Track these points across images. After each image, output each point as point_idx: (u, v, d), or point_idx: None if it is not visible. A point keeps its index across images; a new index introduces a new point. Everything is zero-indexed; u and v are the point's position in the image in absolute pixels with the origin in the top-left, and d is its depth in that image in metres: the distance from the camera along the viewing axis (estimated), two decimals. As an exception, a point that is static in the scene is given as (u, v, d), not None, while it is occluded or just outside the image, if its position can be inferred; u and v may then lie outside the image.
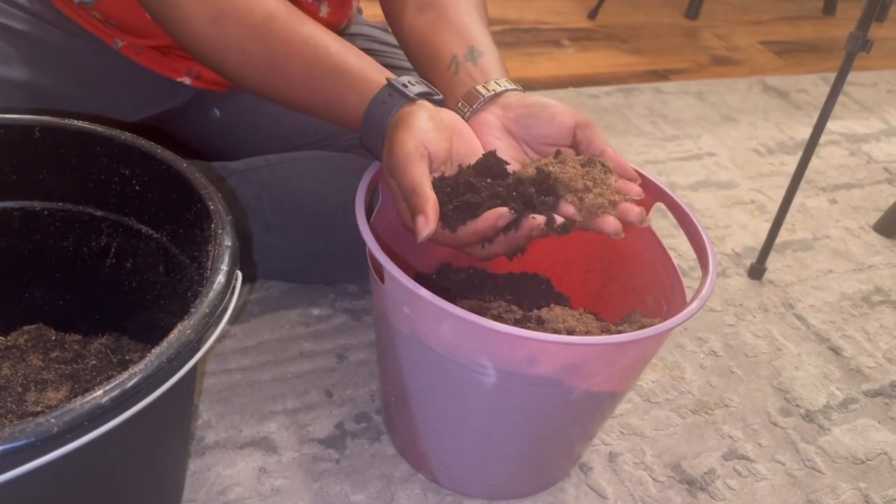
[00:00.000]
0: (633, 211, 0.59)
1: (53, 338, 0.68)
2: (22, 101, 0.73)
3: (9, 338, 0.67)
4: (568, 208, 0.59)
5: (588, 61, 1.63)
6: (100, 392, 0.41)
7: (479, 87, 0.65)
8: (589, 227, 0.60)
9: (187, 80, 0.83)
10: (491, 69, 0.67)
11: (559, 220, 0.58)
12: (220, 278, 0.50)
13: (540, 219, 0.57)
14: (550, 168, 0.61)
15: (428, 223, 0.55)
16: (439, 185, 0.58)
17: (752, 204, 1.22)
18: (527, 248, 0.62)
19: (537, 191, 0.59)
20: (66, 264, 0.67)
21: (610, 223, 0.59)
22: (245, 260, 0.83)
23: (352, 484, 0.70)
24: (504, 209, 0.56)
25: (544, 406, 0.59)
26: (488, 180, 0.60)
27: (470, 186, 0.58)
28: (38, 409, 0.61)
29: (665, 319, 0.57)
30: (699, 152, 1.35)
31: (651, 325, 0.56)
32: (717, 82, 1.61)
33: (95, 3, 0.75)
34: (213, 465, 0.70)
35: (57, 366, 0.65)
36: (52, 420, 0.39)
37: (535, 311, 0.66)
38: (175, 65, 0.81)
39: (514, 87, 0.66)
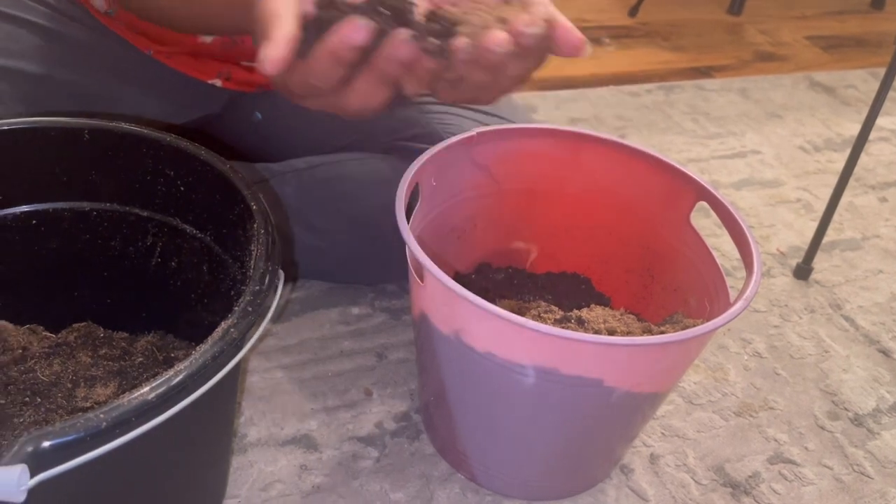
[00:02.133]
0: (522, 20, 0.46)
1: (102, 335, 0.70)
2: (53, 97, 0.75)
3: (59, 335, 0.69)
4: (458, 41, 0.46)
5: (629, 59, 1.61)
6: (146, 389, 0.42)
7: None
8: (478, 55, 0.46)
9: (218, 82, 0.84)
10: None
11: (432, 40, 0.46)
12: (263, 278, 0.51)
13: (404, 32, 0.45)
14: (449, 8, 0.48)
15: (273, 46, 0.43)
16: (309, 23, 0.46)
17: (798, 202, 1.20)
18: (407, 92, 0.49)
19: (419, 15, 0.46)
20: (114, 264, 0.68)
21: (495, 38, 0.45)
22: (287, 260, 0.84)
23: (391, 482, 0.70)
24: (361, 20, 0.44)
25: (584, 407, 0.59)
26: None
27: (330, 4, 0.46)
28: (88, 404, 0.62)
29: (708, 320, 0.56)
30: (743, 150, 1.32)
31: (693, 326, 0.55)
32: (762, 79, 1.58)
33: (118, 14, 0.77)
34: (255, 461, 0.71)
35: (105, 363, 0.67)
36: (101, 416, 0.40)
37: (576, 311, 0.66)
38: (206, 67, 0.83)
39: None
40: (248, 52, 0.81)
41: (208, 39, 0.78)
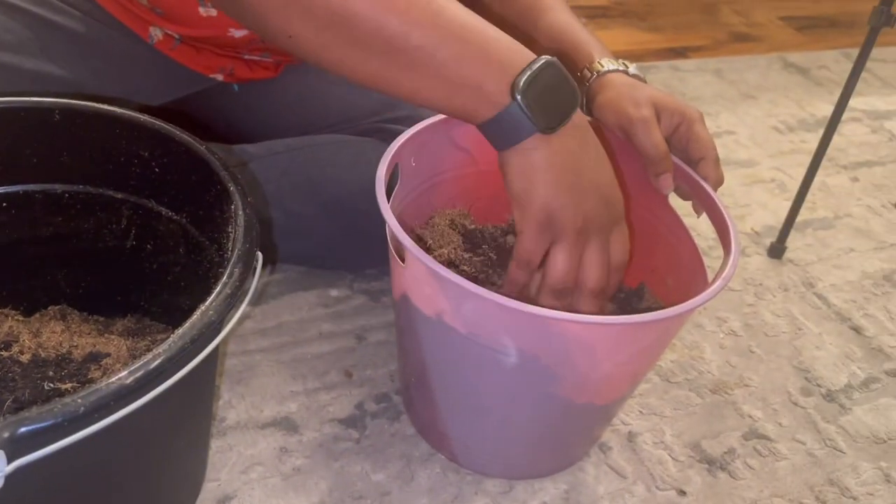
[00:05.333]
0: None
1: (77, 318, 0.69)
2: (46, 89, 0.73)
3: (33, 318, 0.68)
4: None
5: (605, 39, 1.60)
6: (125, 373, 0.42)
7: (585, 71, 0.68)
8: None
9: (220, 77, 0.83)
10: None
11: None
12: (241, 259, 0.50)
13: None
14: None
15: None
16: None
17: (773, 182, 1.21)
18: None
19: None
20: (88, 246, 0.67)
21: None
22: (265, 243, 0.84)
23: (372, 463, 0.70)
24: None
25: (565, 386, 0.59)
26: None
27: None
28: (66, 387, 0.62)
29: (686, 300, 0.56)
30: (718, 130, 1.33)
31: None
32: (737, 59, 1.59)
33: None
34: (234, 444, 0.70)
35: (80, 347, 0.66)
36: (79, 400, 0.40)
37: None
38: (209, 62, 0.81)
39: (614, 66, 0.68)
40: (273, 47, 0.79)
41: (238, 34, 0.75)
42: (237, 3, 0.51)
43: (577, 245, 0.56)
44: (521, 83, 0.52)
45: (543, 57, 0.53)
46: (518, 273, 0.58)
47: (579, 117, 0.56)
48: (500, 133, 0.54)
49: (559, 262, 0.56)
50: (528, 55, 0.53)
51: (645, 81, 0.69)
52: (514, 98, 0.52)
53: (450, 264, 0.67)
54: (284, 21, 0.50)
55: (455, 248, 0.69)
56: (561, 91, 0.54)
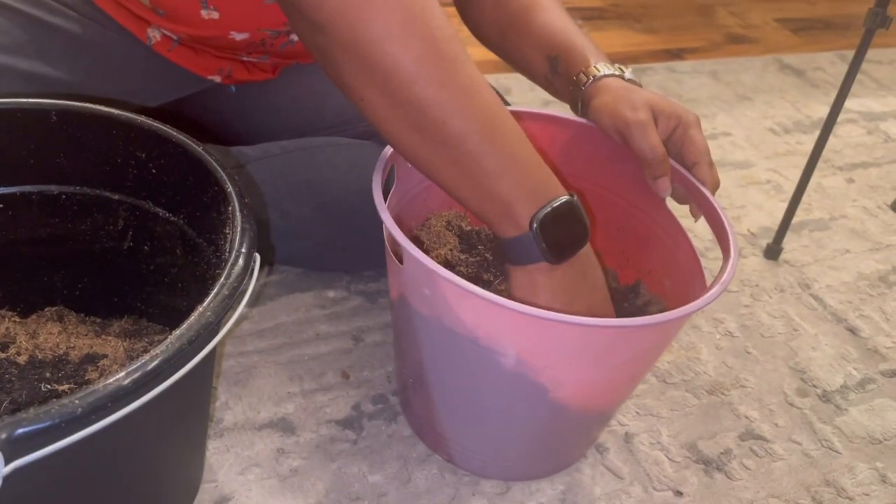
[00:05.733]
0: None
1: (74, 320, 0.69)
2: (43, 91, 0.72)
3: (30, 319, 0.68)
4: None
5: (601, 40, 1.62)
6: (122, 374, 0.42)
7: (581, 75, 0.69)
8: None
9: (217, 79, 0.83)
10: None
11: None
12: (239, 261, 0.50)
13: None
14: None
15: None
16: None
17: (769, 184, 1.21)
18: None
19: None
20: (85, 248, 0.67)
21: None
22: (262, 244, 0.84)
23: (369, 464, 0.70)
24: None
25: (562, 388, 0.59)
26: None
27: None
28: (63, 388, 0.61)
29: (683, 301, 0.56)
30: (714, 132, 1.33)
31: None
32: (732, 61, 1.60)
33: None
34: (231, 446, 0.70)
35: (77, 348, 0.66)
36: (77, 401, 0.40)
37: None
38: (207, 63, 0.81)
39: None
40: (272, 50, 0.79)
41: (238, 36, 0.75)
42: (325, 55, 0.52)
43: None
44: (541, 217, 0.54)
45: (564, 196, 0.56)
46: None
47: (584, 248, 0.59)
48: (515, 251, 0.57)
49: None
50: (555, 189, 0.56)
51: (640, 86, 0.69)
52: (531, 229, 0.54)
53: (446, 265, 0.67)
54: (363, 87, 0.52)
55: (451, 249, 0.69)
56: (573, 230, 0.57)
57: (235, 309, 0.50)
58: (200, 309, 0.47)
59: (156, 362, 0.43)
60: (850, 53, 0.95)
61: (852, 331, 0.94)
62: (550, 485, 0.71)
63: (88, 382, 0.60)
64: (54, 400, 0.40)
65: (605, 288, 0.62)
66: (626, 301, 0.74)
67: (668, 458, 0.76)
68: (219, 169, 0.57)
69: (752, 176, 1.23)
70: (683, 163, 0.67)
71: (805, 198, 1.14)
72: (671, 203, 0.71)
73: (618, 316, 0.67)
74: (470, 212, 0.57)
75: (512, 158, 0.54)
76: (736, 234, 0.63)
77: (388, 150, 0.65)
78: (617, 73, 0.68)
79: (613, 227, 0.77)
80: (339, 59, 0.51)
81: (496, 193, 0.54)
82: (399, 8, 0.49)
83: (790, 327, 0.94)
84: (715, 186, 0.67)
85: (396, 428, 0.74)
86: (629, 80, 0.69)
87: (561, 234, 0.55)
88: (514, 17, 0.74)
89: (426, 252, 0.69)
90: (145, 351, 0.44)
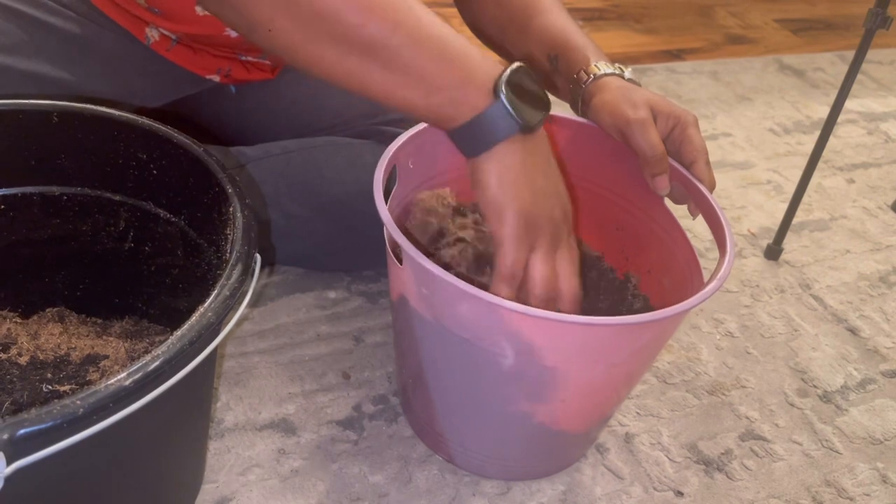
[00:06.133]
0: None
1: (75, 321, 0.69)
2: (41, 91, 0.72)
3: (31, 320, 0.68)
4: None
5: (601, 41, 1.62)
6: (123, 374, 0.42)
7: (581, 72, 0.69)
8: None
9: (216, 78, 0.83)
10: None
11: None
12: (240, 261, 0.50)
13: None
14: None
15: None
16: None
17: (769, 184, 1.21)
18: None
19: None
20: (86, 249, 0.67)
21: None
22: (263, 245, 0.84)
23: (370, 465, 0.71)
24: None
25: (561, 386, 0.60)
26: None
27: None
28: (65, 389, 0.62)
29: (682, 300, 0.56)
30: (714, 132, 1.34)
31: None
32: (732, 61, 1.60)
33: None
34: (232, 446, 0.70)
35: (78, 349, 0.66)
36: (78, 402, 0.40)
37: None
38: (205, 63, 0.81)
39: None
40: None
41: (234, 33, 0.75)
42: None
43: (552, 252, 0.57)
44: (507, 78, 0.53)
45: (515, 62, 0.55)
46: (504, 289, 0.57)
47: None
48: (477, 136, 0.54)
49: (543, 272, 0.57)
50: (501, 64, 0.55)
51: (640, 86, 0.69)
52: (497, 97, 0.53)
53: (445, 266, 0.67)
54: (267, 14, 0.50)
55: (441, 220, 0.68)
56: (535, 91, 0.55)
57: (236, 310, 0.51)
58: (201, 310, 0.47)
59: (157, 363, 0.43)
60: (851, 54, 0.95)
61: (853, 331, 0.95)
62: (551, 485, 0.71)
63: (90, 383, 0.60)
64: (56, 401, 0.40)
65: (559, 171, 0.60)
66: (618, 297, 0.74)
67: (668, 458, 0.76)
68: (219, 170, 0.58)
69: (753, 176, 1.23)
70: (681, 162, 0.67)
71: (805, 198, 1.15)
72: (670, 203, 0.71)
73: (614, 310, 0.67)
74: (418, 115, 0.55)
75: (446, 44, 0.52)
76: (734, 233, 0.63)
77: (390, 150, 0.65)
78: (617, 72, 0.69)
79: (612, 227, 0.77)
80: None
81: (444, 78, 0.52)
82: None
83: (790, 328, 0.94)
84: (711, 186, 0.67)
85: (397, 428, 0.74)
86: (629, 80, 0.69)
87: (528, 97, 0.54)
88: (515, 15, 0.74)
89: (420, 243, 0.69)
90: (146, 352, 0.44)
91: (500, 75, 0.53)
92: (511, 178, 0.55)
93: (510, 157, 0.55)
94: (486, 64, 0.54)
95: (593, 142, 0.72)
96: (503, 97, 0.52)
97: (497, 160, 0.55)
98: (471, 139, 0.55)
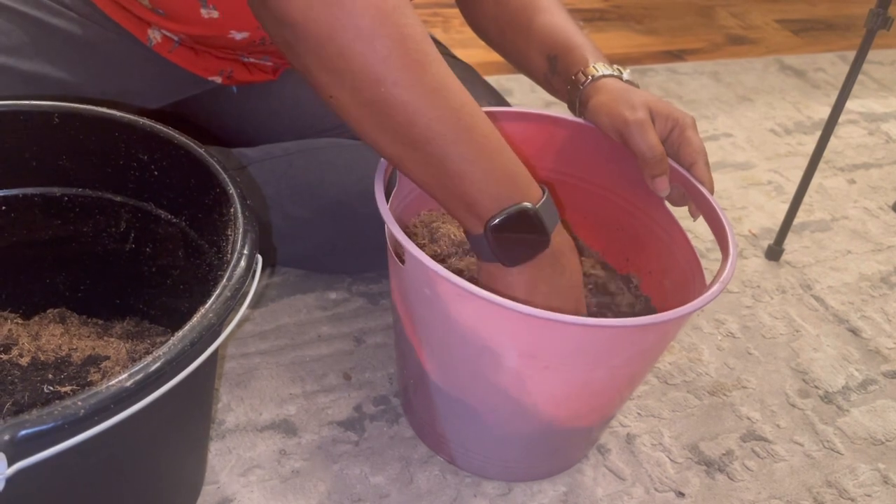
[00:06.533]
0: None
1: (76, 322, 0.69)
2: (43, 92, 0.73)
3: (32, 321, 0.68)
4: None
5: (602, 42, 1.62)
6: (125, 375, 0.42)
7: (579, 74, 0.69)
8: None
9: (218, 80, 0.83)
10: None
11: None
12: (241, 262, 0.50)
13: None
14: None
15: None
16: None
17: (770, 185, 1.21)
18: None
19: None
20: (87, 250, 0.67)
21: None
22: (264, 246, 0.84)
23: (371, 466, 0.70)
24: None
25: (563, 388, 0.59)
26: None
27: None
28: (66, 390, 0.62)
29: (683, 301, 0.56)
30: (715, 133, 1.34)
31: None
32: (733, 62, 1.60)
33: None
34: (233, 447, 0.70)
35: (79, 350, 0.66)
36: (79, 403, 0.40)
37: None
38: (207, 64, 0.81)
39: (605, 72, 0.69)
40: (273, 49, 0.79)
41: (238, 35, 0.75)
42: (293, 51, 0.51)
43: None
44: (493, 224, 0.55)
45: (525, 202, 0.55)
46: None
47: (559, 244, 0.59)
48: (475, 248, 0.58)
49: None
50: (519, 194, 0.55)
51: (638, 87, 0.69)
52: (483, 233, 0.55)
53: (442, 261, 0.67)
54: (330, 85, 0.51)
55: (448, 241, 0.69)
56: (527, 236, 0.56)
57: (237, 311, 0.50)
58: (202, 311, 0.47)
59: (158, 364, 0.43)
60: (851, 54, 0.95)
61: (854, 332, 0.94)
62: (552, 486, 0.71)
63: (91, 384, 0.60)
64: (57, 401, 0.40)
65: (575, 290, 0.62)
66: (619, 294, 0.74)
67: (669, 459, 0.76)
68: (221, 171, 0.58)
69: (753, 177, 1.23)
70: (680, 163, 0.67)
71: (806, 199, 1.15)
72: (670, 204, 0.71)
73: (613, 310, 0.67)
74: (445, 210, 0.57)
75: (477, 163, 0.54)
76: (736, 234, 0.63)
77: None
78: (615, 73, 0.69)
79: (613, 227, 0.77)
80: (306, 57, 0.51)
81: (460, 194, 0.55)
82: (370, 6, 0.49)
83: (792, 328, 0.94)
84: (710, 188, 0.67)
85: (398, 429, 0.74)
86: (627, 82, 0.69)
87: (512, 241, 0.56)
88: (515, 15, 0.74)
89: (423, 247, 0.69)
90: (147, 352, 0.44)
91: (493, 216, 0.54)
92: (497, 288, 0.58)
93: (497, 273, 0.58)
94: (504, 189, 0.55)
95: (593, 142, 0.72)
96: (486, 234, 0.55)
97: (487, 271, 0.59)
98: (475, 247, 0.58)
